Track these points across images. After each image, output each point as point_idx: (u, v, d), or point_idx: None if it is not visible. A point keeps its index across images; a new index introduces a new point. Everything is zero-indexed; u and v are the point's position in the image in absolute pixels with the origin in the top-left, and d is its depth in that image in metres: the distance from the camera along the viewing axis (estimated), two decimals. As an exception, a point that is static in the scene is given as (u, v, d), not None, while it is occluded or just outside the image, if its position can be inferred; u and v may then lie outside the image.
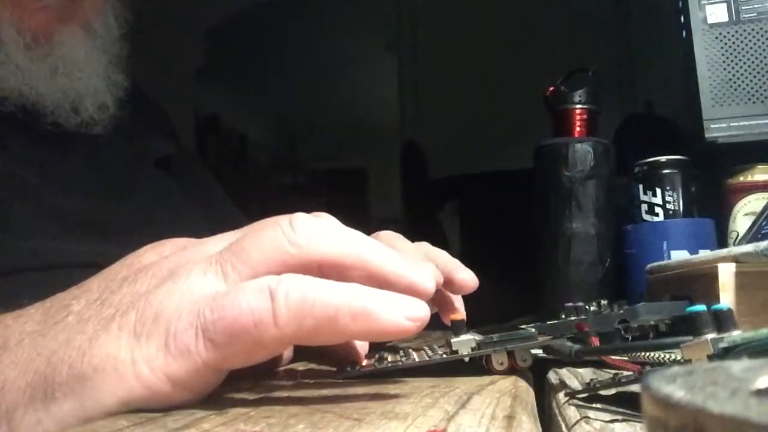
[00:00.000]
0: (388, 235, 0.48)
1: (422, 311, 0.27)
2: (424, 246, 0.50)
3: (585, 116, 0.67)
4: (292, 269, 0.28)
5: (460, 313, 0.44)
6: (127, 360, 0.26)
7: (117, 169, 0.57)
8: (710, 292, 0.42)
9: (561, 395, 0.30)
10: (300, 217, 0.30)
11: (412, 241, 0.50)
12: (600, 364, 0.37)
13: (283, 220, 0.29)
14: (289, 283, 0.27)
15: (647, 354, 0.31)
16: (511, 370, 0.37)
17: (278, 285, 0.26)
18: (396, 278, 0.30)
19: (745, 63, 0.65)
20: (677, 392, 0.11)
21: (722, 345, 0.24)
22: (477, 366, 0.38)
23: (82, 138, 0.54)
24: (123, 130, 0.58)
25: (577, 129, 0.67)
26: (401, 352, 0.38)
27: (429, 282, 0.31)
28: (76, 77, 0.52)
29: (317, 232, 0.29)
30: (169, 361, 0.26)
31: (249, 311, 0.26)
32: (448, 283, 0.45)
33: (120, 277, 0.30)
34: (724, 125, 0.64)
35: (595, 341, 0.36)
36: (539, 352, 0.39)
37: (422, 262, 0.34)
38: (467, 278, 0.46)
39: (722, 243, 0.62)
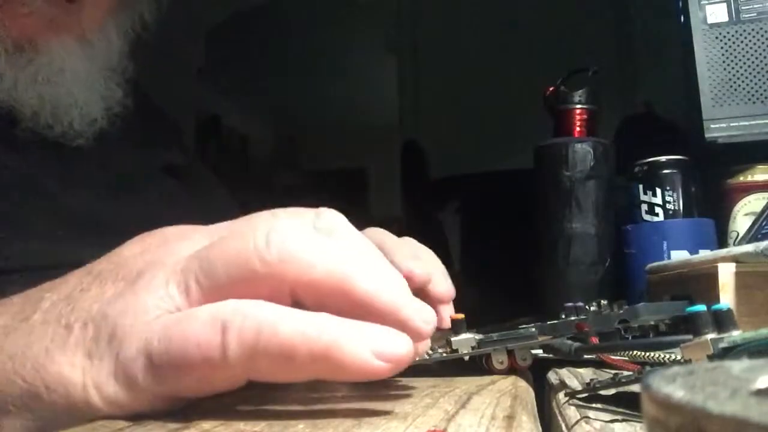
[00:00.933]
0: (374, 232, 0.47)
1: (399, 348, 0.24)
2: (410, 242, 0.49)
3: (585, 116, 0.67)
4: (260, 290, 0.26)
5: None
6: (78, 383, 0.26)
7: (127, 176, 0.57)
8: (710, 292, 0.42)
9: (561, 395, 0.30)
10: (281, 227, 0.26)
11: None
12: (600, 364, 0.37)
13: (261, 228, 0.26)
14: (244, 315, 0.24)
15: (647, 354, 0.31)
16: (511, 370, 0.37)
17: (233, 317, 0.24)
18: (386, 310, 0.26)
19: (745, 63, 0.65)
20: (677, 392, 0.11)
21: (722, 345, 0.24)
22: (477, 366, 0.38)
23: (94, 144, 0.53)
24: (134, 138, 0.57)
25: (577, 129, 0.67)
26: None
27: (426, 323, 0.27)
28: (60, 87, 0.50)
29: (295, 248, 0.25)
30: (118, 390, 0.25)
31: (196, 345, 0.24)
32: (424, 293, 0.44)
33: (96, 272, 0.29)
34: (724, 125, 0.64)
35: (595, 341, 0.36)
36: (539, 351, 0.39)
37: (419, 301, 0.31)
38: (443, 293, 0.45)
39: (722, 243, 0.62)
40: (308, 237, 0.26)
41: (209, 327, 0.25)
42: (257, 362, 0.24)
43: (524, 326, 0.38)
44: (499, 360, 0.37)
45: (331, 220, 0.29)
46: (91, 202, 0.51)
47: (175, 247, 0.29)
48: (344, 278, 0.26)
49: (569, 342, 0.36)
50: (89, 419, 0.26)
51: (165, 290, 0.26)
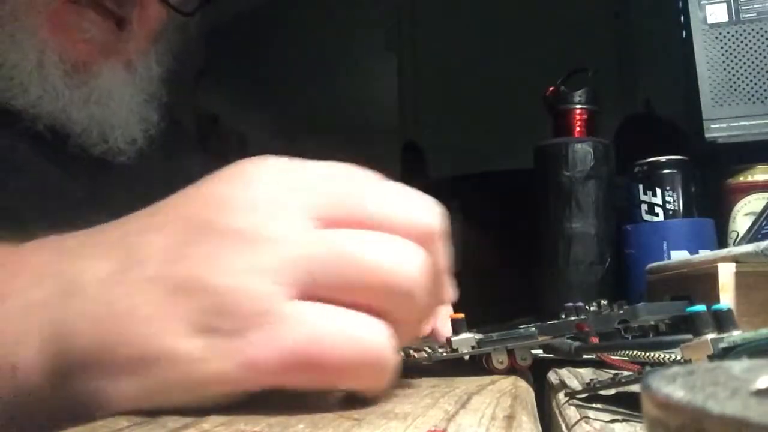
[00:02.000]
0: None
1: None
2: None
3: (585, 116, 0.67)
4: (369, 306, 0.26)
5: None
6: (192, 356, 0.25)
7: (156, 188, 0.59)
8: (710, 292, 0.42)
9: (561, 395, 0.30)
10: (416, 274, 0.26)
11: None
12: (600, 364, 0.37)
13: (399, 259, 0.26)
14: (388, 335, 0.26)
15: (647, 354, 0.31)
16: (511, 370, 0.37)
17: (370, 337, 0.26)
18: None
19: (745, 63, 0.65)
20: (677, 392, 0.11)
21: (722, 345, 0.24)
22: (477, 365, 0.38)
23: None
24: (160, 151, 0.60)
25: (577, 129, 0.67)
26: (401, 352, 0.38)
27: None
28: (109, 108, 0.54)
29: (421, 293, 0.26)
30: (233, 372, 0.25)
31: (357, 347, 0.25)
32: None
33: (191, 218, 0.27)
34: (724, 125, 0.64)
35: (595, 341, 0.36)
36: (539, 351, 0.39)
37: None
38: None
39: (722, 243, 0.62)
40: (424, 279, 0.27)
41: (371, 328, 0.25)
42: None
43: (524, 326, 0.38)
44: (499, 360, 0.37)
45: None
46: (117, 211, 0.53)
47: (288, 205, 0.26)
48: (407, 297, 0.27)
49: (569, 341, 0.36)
50: (195, 395, 0.26)
51: (280, 275, 0.25)
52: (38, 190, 0.49)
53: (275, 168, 0.28)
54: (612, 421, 0.24)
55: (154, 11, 0.56)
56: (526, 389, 0.33)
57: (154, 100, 0.59)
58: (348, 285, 0.25)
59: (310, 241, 0.26)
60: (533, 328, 0.37)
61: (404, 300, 0.26)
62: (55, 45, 0.50)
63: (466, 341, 0.36)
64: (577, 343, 0.35)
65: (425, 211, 0.28)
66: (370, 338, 0.25)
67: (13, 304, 0.28)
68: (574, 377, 0.35)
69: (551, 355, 0.38)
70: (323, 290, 0.25)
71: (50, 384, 0.26)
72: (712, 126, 0.65)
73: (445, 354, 0.37)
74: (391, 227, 0.26)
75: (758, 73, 0.64)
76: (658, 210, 0.63)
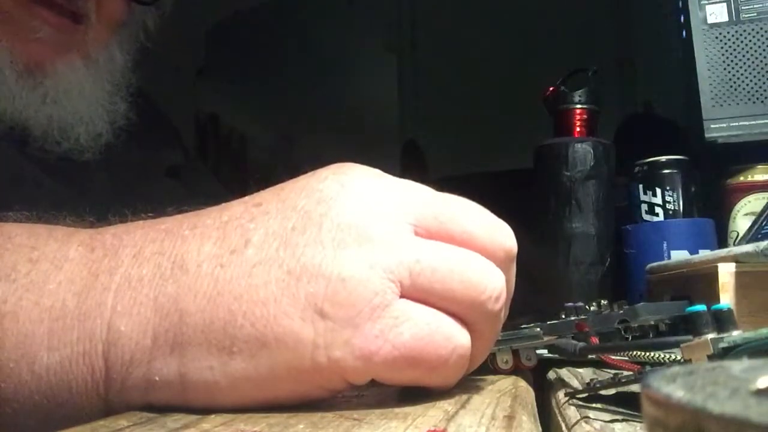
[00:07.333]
0: None
1: None
2: None
3: (585, 116, 0.67)
4: (471, 321, 0.28)
5: None
6: (308, 341, 0.25)
7: (133, 180, 0.58)
8: (710, 292, 0.42)
9: (561, 395, 0.30)
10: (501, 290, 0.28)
11: None
12: (600, 364, 0.37)
13: (494, 277, 0.28)
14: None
15: (647, 354, 0.31)
16: (515, 370, 0.37)
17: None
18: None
19: (745, 63, 0.65)
20: (677, 392, 0.11)
21: (722, 345, 0.24)
22: (481, 366, 0.38)
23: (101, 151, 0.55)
24: (137, 142, 0.59)
25: (577, 129, 0.67)
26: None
27: None
28: (67, 106, 0.52)
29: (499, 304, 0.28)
30: (348, 360, 0.25)
31: (450, 347, 0.26)
32: None
33: (300, 209, 0.27)
34: (724, 125, 0.64)
35: (595, 341, 0.36)
36: (544, 352, 0.39)
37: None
38: None
39: (722, 243, 0.62)
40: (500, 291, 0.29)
41: (443, 338, 0.27)
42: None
43: (527, 326, 0.38)
44: (504, 360, 0.37)
45: None
46: (97, 203, 0.53)
47: (383, 204, 0.28)
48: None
49: (574, 342, 0.36)
50: (301, 385, 0.26)
51: (390, 271, 0.26)
52: (17, 186, 0.48)
53: (372, 174, 0.29)
54: (612, 421, 0.24)
55: (112, 3, 0.55)
56: (526, 389, 0.33)
57: (120, 88, 0.57)
58: (445, 293, 0.27)
59: (416, 246, 0.27)
60: (538, 329, 0.37)
61: (487, 316, 0.28)
62: (5, 47, 0.49)
63: (468, 341, 0.36)
64: (581, 344, 0.35)
65: (507, 236, 0.30)
66: (460, 342, 0.27)
67: (114, 280, 0.27)
68: (574, 377, 0.35)
69: (556, 355, 0.38)
70: (421, 293, 0.26)
71: (149, 358, 0.26)
72: (712, 126, 0.64)
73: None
74: (479, 247, 0.28)
75: (758, 73, 0.64)
76: (658, 210, 0.63)
